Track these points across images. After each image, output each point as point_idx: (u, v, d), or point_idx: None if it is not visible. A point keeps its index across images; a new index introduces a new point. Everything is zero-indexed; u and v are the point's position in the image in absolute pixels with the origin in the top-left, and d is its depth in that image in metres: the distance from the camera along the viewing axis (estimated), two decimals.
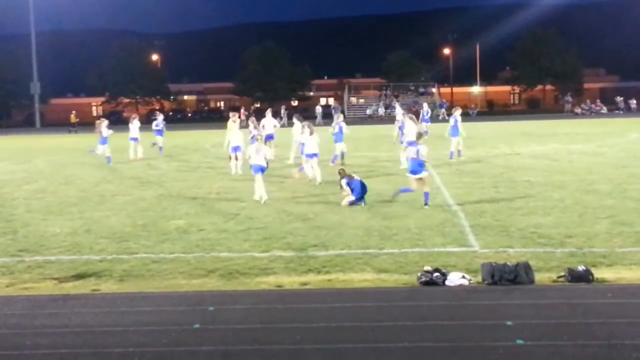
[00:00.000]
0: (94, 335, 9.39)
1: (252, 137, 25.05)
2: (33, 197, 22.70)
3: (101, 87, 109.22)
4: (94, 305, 10.81)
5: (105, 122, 34.86)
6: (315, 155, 23.96)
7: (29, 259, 13.86)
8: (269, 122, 33.98)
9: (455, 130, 31.04)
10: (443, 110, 76.62)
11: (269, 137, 32.21)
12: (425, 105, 50.57)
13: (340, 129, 29.02)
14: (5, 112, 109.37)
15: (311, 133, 24.24)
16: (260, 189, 20.51)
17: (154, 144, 38.07)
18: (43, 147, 48.02)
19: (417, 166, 18.35)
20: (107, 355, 8.68)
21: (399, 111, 41.61)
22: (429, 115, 46.05)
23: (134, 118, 38.58)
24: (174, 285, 11.74)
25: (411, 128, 27.19)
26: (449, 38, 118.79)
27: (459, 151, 31.06)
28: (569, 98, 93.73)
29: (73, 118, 79.31)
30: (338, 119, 29.97)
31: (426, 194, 18.34)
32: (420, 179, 18.37)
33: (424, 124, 44.35)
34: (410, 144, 20.13)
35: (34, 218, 18.59)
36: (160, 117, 40.03)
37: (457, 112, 31.79)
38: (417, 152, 18.32)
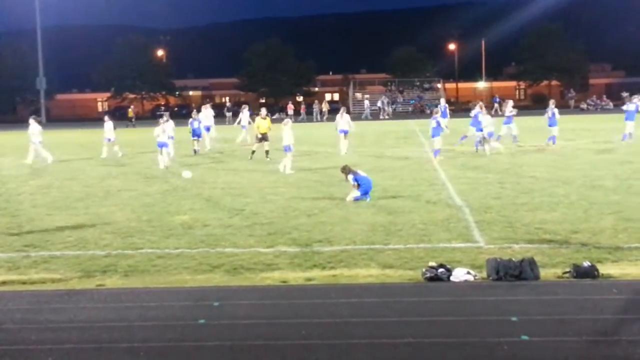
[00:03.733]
0: (99, 330, 9.40)
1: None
2: (38, 192, 22.73)
3: (106, 82, 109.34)
4: (99, 300, 10.82)
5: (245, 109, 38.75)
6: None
7: (35, 254, 13.88)
8: (208, 115, 39.08)
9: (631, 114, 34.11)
10: (496, 104, 76.36)
11: (207, 128, 38.29)
12: (442, 100, 50.73)
13: (438, 123, 29.33)
14: (11, 107, 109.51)
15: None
16: (162, 161, 28.58)
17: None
18: (49, 143, 47.98)
19: None
20: (112, 351, 8.69)
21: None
22: (447, 110, 46.55)
23: (244, 108, 41.70)
24: (179, 281, 11.75)
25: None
26: (454, 33, 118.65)
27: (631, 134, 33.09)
28: (572, 93, 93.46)
29: (131, 112, 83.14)
30: (436, 113, 30.51)
31: None
32: None
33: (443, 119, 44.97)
34: None
35: (39, 213, 18.62)
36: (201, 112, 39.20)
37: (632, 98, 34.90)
38: None
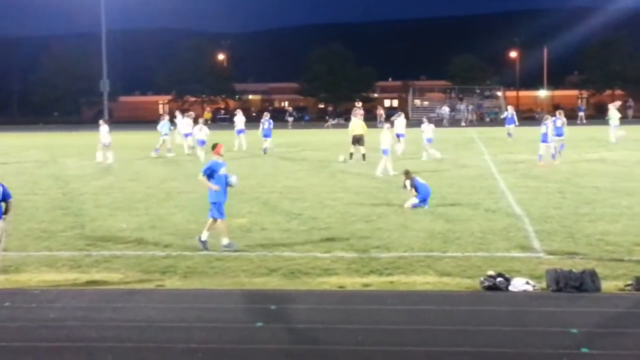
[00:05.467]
0: (158, 330, 9.55)
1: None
2: (101, 192, 23.15)
3: (168, 85, 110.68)
4: (159, 300, 10.99)
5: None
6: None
7: (96, 253, 14.15)
8: (186, 123, 39.40)
9: None
10: (581, 114, 75.47)
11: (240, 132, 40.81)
12: (510, 107, 51.11)
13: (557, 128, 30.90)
14: (76, 108, 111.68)
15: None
16: (201, 155, 32.75)
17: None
18: (112, 144, 48.86)
19: None
20: (170, 350, 8.82)
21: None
22: (514, 117, 48.23)
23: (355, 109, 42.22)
24: (237, 283, 11.85)
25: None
26: (516, 41, 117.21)
27: None
28: (630, 103, 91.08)
29: (208, 114, 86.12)
30: (546, 120, 31.29)
31: None
32: None
33: (508, 126, 47.13)
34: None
35: (101, 213, 18.96)
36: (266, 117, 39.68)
37: None
38: None
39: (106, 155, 34.05)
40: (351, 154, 31.59)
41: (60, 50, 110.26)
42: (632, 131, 52.82)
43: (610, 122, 42.89)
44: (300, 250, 14.10)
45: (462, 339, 9.03)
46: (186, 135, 38.63)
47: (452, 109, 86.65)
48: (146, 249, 14.46)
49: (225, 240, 14.18)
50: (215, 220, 14.24)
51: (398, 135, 35.33)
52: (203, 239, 14.21)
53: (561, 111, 34.98)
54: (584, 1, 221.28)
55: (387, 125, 29.06)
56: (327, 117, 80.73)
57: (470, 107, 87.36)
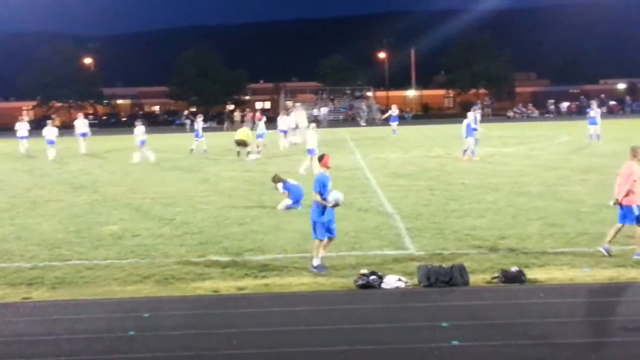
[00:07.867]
0: (25, 344, 9.19)
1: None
2: None
3: (32, 91, 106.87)
4: (25, 313, 10.57)
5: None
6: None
7: None
8: (82, 123, 43.24)
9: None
10: (479, 110, 76.83)
11: (83, 135, 42.28)
12: (394, 107, 53.17)
13: (468, 125, 31.69)
14: None
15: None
16: (51, 154, 36.68)
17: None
18: None
19: None
20: None
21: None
22: (397, 114, 51.80)
23: (283, 114, 43.63)
24: (108, 292, 11.55)
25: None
26: (384, 42, 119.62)
27: None
28: (487, 102, 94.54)
29: (57, 121, 79.99)
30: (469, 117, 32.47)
31: None
32: None
33: (392, 123, 50.30)
34: None
35: None
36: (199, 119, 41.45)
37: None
38: None
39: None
40: (238, 152, 34.31)
41: None
42: (499, 129, 54.90)
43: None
44: (173, 255, 13.90)
45: (338, 338, 9.11)
46: (21, 137, 42.21)
47: (352, 108, 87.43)
48: (11, 261, 13.91)
49: (315, 260, 12.64)
50: (321, 240, 12.72)
51: (283, 132, 40.24)
52: (315, 264, 12.57)
53: (475, 108, 37.38)
54: (449, 3, 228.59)
55: (312, 125, 29.91)
56: (224, 119, 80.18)
57: (374, 106, 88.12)
